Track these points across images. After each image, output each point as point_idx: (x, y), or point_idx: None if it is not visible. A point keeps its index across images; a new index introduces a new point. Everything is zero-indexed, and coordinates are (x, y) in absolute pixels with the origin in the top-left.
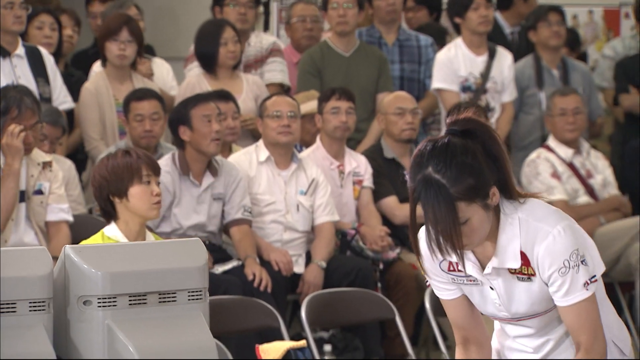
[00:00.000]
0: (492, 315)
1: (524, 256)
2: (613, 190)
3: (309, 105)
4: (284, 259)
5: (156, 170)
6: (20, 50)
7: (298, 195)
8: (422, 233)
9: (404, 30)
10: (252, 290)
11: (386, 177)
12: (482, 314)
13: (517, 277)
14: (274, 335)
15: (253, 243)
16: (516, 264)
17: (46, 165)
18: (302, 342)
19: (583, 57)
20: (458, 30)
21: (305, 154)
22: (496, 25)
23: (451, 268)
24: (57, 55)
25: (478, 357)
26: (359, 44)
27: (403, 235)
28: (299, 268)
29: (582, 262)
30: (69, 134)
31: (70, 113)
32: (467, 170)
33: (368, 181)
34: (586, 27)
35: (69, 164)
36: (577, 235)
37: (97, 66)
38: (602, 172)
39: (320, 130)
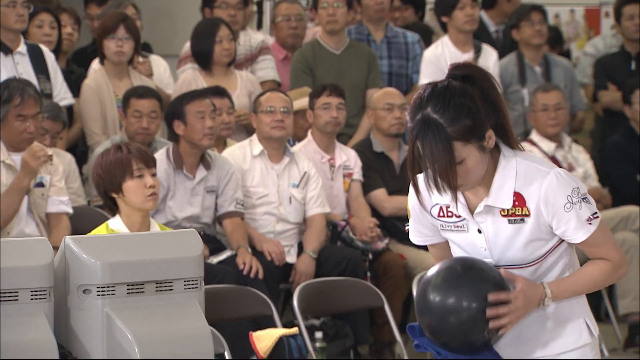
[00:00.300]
0: None
1: (519, 197)
2: (593, 182)
3: (302, 102)
4: (277, 249)
5: (148, 163)
6: (22, 47)
7: (290, 187)
8: (422, 175)
9: (392, 28)
10: (246, 279)
11: (375, 171)
12: None
13: (508, 220)
14: (267, 322)
15: (245, 234)
16: (508, 204)
17: (47, 158)
18: (294, 330)
19: (567, 55)
20: (445, 28)
21: (297, 148)
22: (481, 23)
23: (441, 214)
24: (56, 52)
25: None
26: (349, 42)
27: (391, 226)
28: (291, 258)
29: (583, 199)
30: (69, 128)
31: (69, 108)
32: (464, 111)
33: (358, 174)
34: (568, 26)
35: (69, 158)
36: (574, 177)
37: (95, 64)
38: (583, 165)
39: (311, 125)
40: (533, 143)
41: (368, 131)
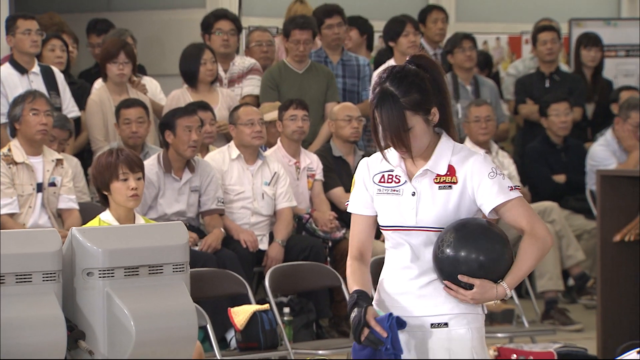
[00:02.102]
0: (394, 224)
1: (451, 168)
2: (516, 182)
3: (273, 114)
4: (251, 238)
5: (133, 168)
6: (36, 68)
7: (263, 185)
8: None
9: (347, 53)
10: (226, 264)
11: (334, 172)
12: (383, 227)
13: (439, 187)
14: (242, 300)
15: (221, 222)
16: (443, 171)
17: (59, 162)
18: (266, 306)
19: (496, 76)
20: (391, 52)
21: (268, 152)
22: (422, 48)
23: (382, 180)
24: (67, 71)
25: (367, 268)
26: (310, 63)
27: (348, 219)
28: (263, 245)
29: (503, 175)
30: (75, 137)
31: (77, 120)
32: (415, 87)
33: (319, 175)
34: (494, 51)
35: (75, 161)
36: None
37: (98, 83)
38: (507, 167)
39: (280, 134)
40: None
41: (326, 138)
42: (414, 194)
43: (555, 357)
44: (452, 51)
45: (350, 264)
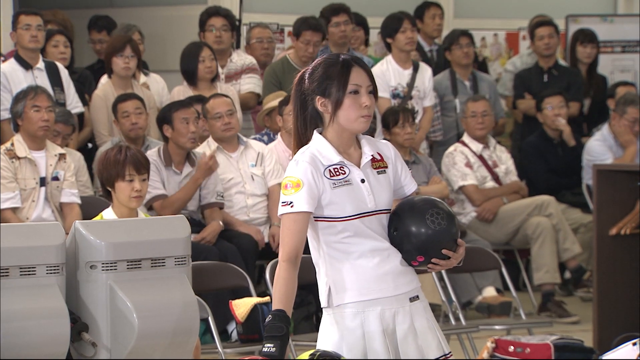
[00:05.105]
0: (357, 211)
1: (380, 154)
2: (514, 177)
3: (276, 102)
4: (257, 236)
5: (140, 170)
6: (41, 64)
7: (250, 167)
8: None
9: (352, 52)
10: (227, 257)
11: None
12: (344, 218)
13: (377, 172)
14: (243, 293)
15: (220, 216)
16: (378, 157)
17: (62, 156)
18: (267, 298)
19: (483, 67)
20: (389, 48)
21: (271, 145)
22: (418, 44)
23: (332, 174)
24: (70, 66)
25: (297, 272)
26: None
27: None
28: (265, 238)
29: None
30: (79, 132)
31: (81, 115)
32: None
33: None
34: (492, 47)
35: (78, 156)
36: None
37: (103, 78)
38: (505, 162)
39: (281, 129)
40: (464, 144)
41: None
42: (363, 181)
43: (552, 349)
44: (450, 48)
45: (284, 267)
